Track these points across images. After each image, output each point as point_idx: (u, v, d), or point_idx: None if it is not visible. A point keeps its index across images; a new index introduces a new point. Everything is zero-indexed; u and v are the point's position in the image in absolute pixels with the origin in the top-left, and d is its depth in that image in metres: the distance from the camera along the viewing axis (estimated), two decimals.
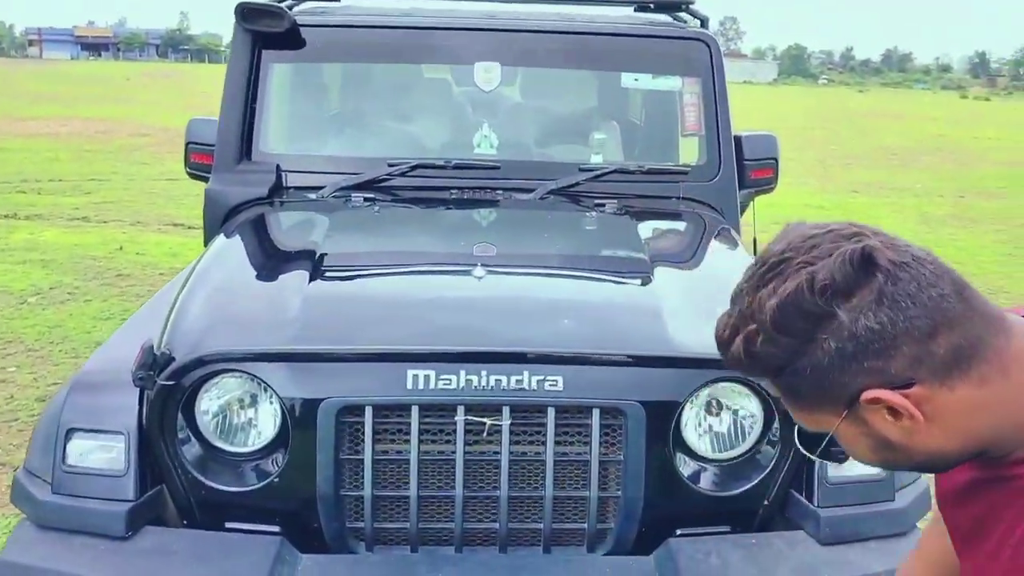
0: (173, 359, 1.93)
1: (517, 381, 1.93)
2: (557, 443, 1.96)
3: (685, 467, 2.02)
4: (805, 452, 1.03)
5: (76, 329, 5.29)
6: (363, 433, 1.92)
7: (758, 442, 2.05)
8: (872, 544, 1.96)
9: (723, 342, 0.95)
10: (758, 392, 2.02)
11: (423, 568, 1.90)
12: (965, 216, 10.63)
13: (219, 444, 1.98)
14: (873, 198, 12.00)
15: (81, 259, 6.95)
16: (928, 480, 2.15)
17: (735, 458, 2.05)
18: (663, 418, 1.97)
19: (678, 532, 2.01)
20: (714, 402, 2.05)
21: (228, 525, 1.98)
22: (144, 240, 7.73)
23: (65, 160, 12.76)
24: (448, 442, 1.95)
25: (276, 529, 1.95)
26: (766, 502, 2.04)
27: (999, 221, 10.25)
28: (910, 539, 1.98)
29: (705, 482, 2.03)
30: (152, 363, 1.91)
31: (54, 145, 14.55)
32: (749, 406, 2.05)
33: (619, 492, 1.98)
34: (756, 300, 0.91)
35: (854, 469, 2.01)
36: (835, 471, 1.99)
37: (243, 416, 1.98)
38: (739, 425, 2.06)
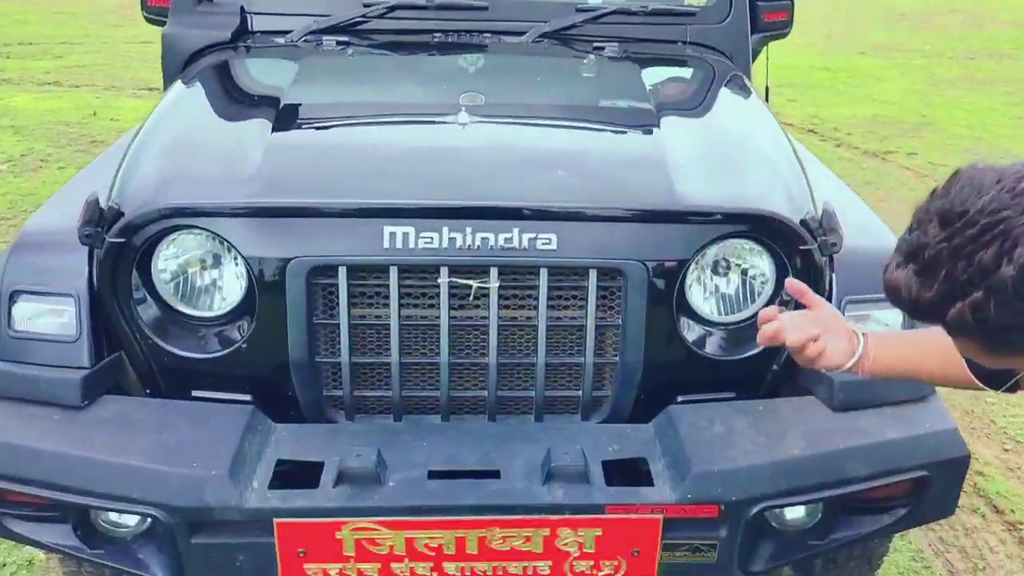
0: (123, 214, 1.73)
1: (506, 239, 1.74)
2: (550, 307, 1.79)
3: (689, 331, 1.87)
4: (987, 387, 1.16)
5: (49, 197, 5.05)
6: (337, 296, 1.74)
7: (769, 303, 1.88)
8: (888, 410, 1.82)
9: (923, 305, 1.00)
10: (770, 249, 1.84)
11: (407, 436, 1.77)
12: (974, 78, 10.24)
13: (180, 307, 1.80)
14: (880, 60, 11.56)
15: (53, 125, 6.66)
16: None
17: (743, 321, 1.89)
18: (666, 279, 1.80)
19: (679, 399, 1.87)
20: (722, 261, 1.87)
21: (195, 394, 1.83)
22: (119, 105, 7.39)
23: (34, 22, 12.12)
24: (431, 306, 1.78)
25: (247, 398, 1.81)
26: (775, 367, 1.89)
27: (1010, 83, 9.87)
28: (929, 405, 1.84)
29: (710, 346, 1.87)
30: (99, 218, 1.72)
31: (23, 8, 13.83)
32: (760, 264, 1.87)
33: (616, 358, 1.84)
34: (979, 266, 0.93)
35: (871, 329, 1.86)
36: None
37: (205, 278, 1.80)
38: (748, 286, 1.89)
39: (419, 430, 1.81)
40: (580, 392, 1.87)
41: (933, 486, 1.77)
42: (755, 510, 1.66)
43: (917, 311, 1.03)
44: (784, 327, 1.43)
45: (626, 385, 1.85)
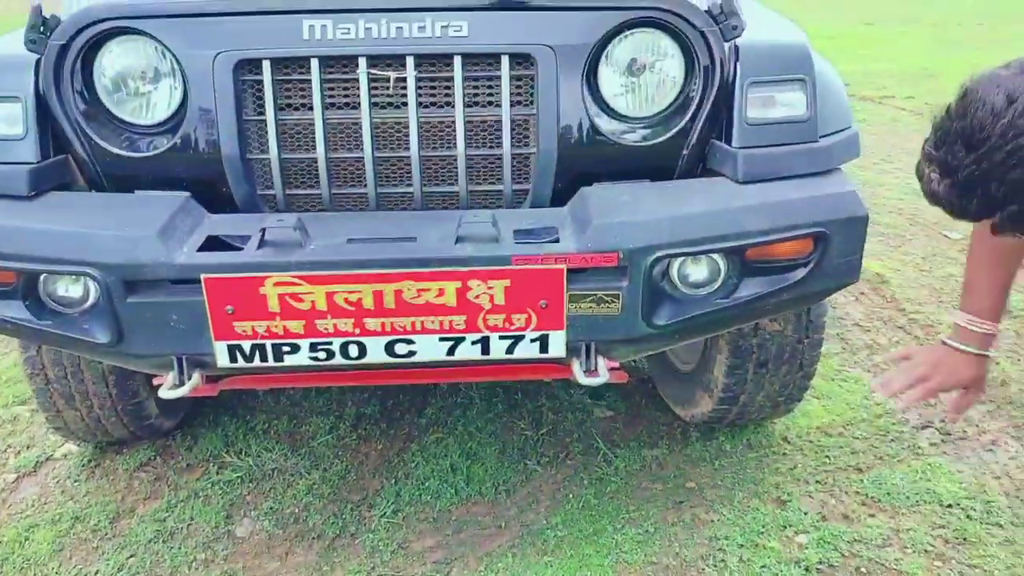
0: (63, 20, 1.88)
1: (420, 28, 1.86)
2: (467, 100, 1.91)
3: (602, 121, 1.97)
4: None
5: None
6: (263, 92, 1.87)
7: (678, 97, 1.98)
8: (794, 182, 1.91)
9: (967, 215, 1.26)
10: (682, 45, 1.94)
11: (334, 219, 1.89)
12: (983, 39, 10.22)
13: (119, 112, 1.94)
14: (887, 28, 11.55)
15: None
16: (858, 126, 2.08)
17: (654, 115, 1.99)
18: (575, 65, 1.90)
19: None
20: (634, 61, 1.97)
21: (138, 192, 1.97)
22: None
23: None
24: (354, 103, 1.91)
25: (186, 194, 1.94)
26: (685, 151, 1.98)
27: (1022, 40, 9.82)
28: (833, 179, 1.92)
29: (622, 134, 1.97)
30: (43, 24, 1.87)
31: None
32: (671, 65, 1.97)
33: (533, 148, 1.94)
34: (1010, 184, 1.15)
35: (775, 111, 1.95)
36: (755, 111, 1.93)
37: (144, 80, 1.93)
38: (660, 83, 1.99)
39: (346, 216, 1.93)
40: (503, 186, 1.98)
41: (833, 244, 1.84)
42: (653, 258, 1.75)
43: (963, 217, 1.25)
44: (917, 389, 1.66)
45: (544, 175, 1.96)
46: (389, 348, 1.82)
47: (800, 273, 1.87)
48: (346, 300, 1.75)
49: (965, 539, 2.19)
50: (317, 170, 1.93)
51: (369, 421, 2.72)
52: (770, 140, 1.93)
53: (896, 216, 4.46)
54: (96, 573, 2.15)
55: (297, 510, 2.35)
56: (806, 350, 2.31)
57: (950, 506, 2.30)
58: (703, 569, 2.11)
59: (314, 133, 1.90)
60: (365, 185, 1.96)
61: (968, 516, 2.27)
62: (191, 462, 2.56)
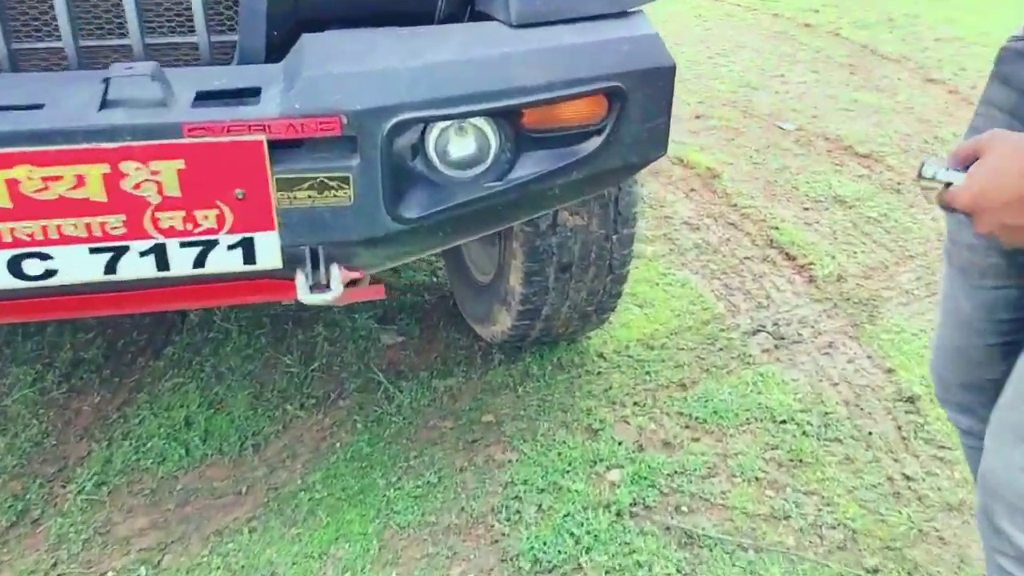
0: None
1: None
2: None
3: None
4: None
5: None
6: None
7: None
8: (579, 25, 1.45)
9: None
10: None
11: None
12: None
13: None
14: None
15: None
16: None
17: None
18: None
19: None
20: None
21: None
22: None
23: None
24: None
25: None
26: None
27: None
28: (630, 18, 1.48)
29: None
30: None
31: None
32: None
33: None
34: None
35: None
36: None
37: None
38: None
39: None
40: (196, 37, 1.42)
41: (632, 103, 1.41)
42: (392, 123, 1.26)
43: None
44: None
45: (252, 17, 1.41)
46: (14, 266, 1.26)
47: (593, 143, 1.43)
48: None
49: (801, 460, 1.87)
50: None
51: (88, 368, 2.13)
52: None
53: (730, 109, 4.15)
54: None
55: None
56: (615, 248, 1.90)
57: (784, 422, 1.99)
58: (492, 525, 1.69)
59: None
60: None
61: (804, 432, 1.95)
62: None
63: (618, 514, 1.71)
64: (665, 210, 3.05)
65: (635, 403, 2.04)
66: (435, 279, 2.60)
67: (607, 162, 1.46)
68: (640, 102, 1.42)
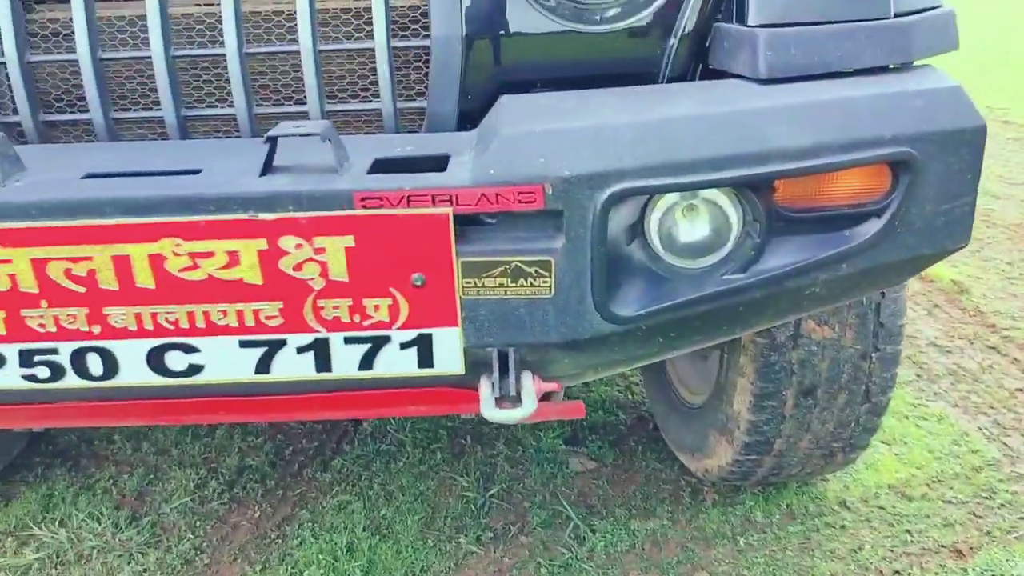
0: None
1: None
2: None
3: None
4: None
5: None
6: None
7: None
8: (850, 80, 1.13)
9: None
10: None
11: (87, 149, 1.16)
12: None
13: None
14: None
15: None
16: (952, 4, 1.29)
17: None
18: None
19: None
20: None
21: None
22: None
23: None
24: None
25: None
26: (673, 41, 1.22)
27: None
28: (920, 74, 1.15)
29: (564, 15, 1.22)
30: None
31: None
32: None
33: (426, 38, 1.20)
34: None
35: None
36: None
37: None
38: None
39: (109, 145, 1.19)
40: (380, 103, 1.23)
41: (924, 176, 1.07)
42: (607, 195, 0.99)
43: None
44: None
45: (444, 81, 1.21)
46: (155, 359, 1.07)
47: (870, 228, 1.09)
48: (67, 273, 1.01)
49: None
50: (82, 80, 1.20)
51: (252, 477, 1.95)
52: (811, 12, 1.16)
53: None
54: None
55: None
56: (875, 370, 1.50)
57: None
58: None
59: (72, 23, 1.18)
60: (157, 102, 1.22)
61: None
62: None
63: None
64: (907, 328, 2.58)
65: (895, 572, 1.58)
66: (631, 396, 2.27)
67: (889, 254, 1.11)
68: (937, 174, 1.07)
